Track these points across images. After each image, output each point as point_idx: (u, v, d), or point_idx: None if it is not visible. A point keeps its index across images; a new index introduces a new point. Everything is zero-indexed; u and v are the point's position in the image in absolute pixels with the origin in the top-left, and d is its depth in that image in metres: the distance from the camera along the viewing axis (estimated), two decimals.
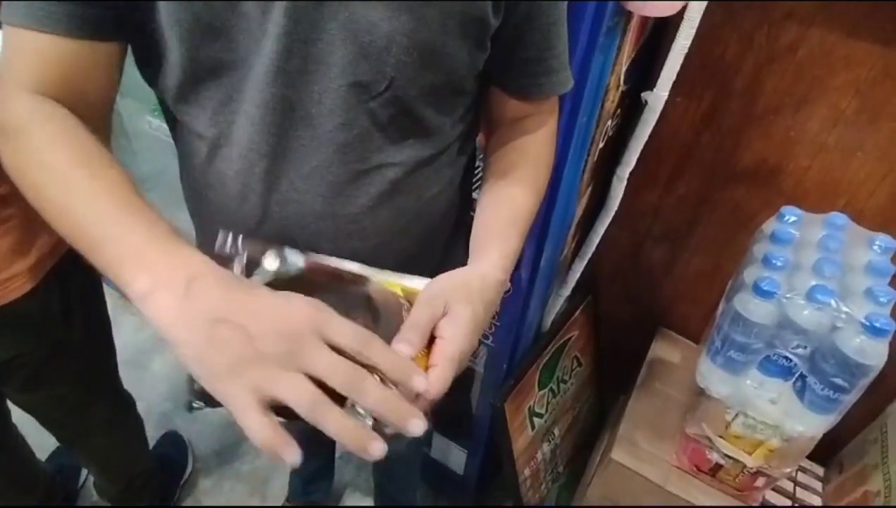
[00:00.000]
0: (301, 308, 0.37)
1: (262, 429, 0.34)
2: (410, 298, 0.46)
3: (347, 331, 0.37)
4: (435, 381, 0.40)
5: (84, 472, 1.36)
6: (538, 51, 0.55)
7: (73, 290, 0.83)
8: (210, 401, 0.39)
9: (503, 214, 0.56)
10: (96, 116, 0.48)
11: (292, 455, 0.34)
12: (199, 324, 0.36)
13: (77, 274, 0.83)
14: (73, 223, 0.42)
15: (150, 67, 0.51)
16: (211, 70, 0.48)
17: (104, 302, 0.94)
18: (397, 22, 0.46)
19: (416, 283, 0.48)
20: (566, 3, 0.55)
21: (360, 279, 0.46)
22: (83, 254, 0.42)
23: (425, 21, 0.46)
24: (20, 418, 0.95)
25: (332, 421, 0.34)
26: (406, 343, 0.40)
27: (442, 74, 0.51)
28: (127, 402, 1.10)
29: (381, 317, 0.46)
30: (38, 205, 0.44)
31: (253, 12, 0.45)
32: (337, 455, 1.37)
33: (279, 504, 1.37)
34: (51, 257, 0.77)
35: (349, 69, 0.47)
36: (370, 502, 1.38)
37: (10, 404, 0.93)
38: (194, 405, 0.40)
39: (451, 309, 0.44)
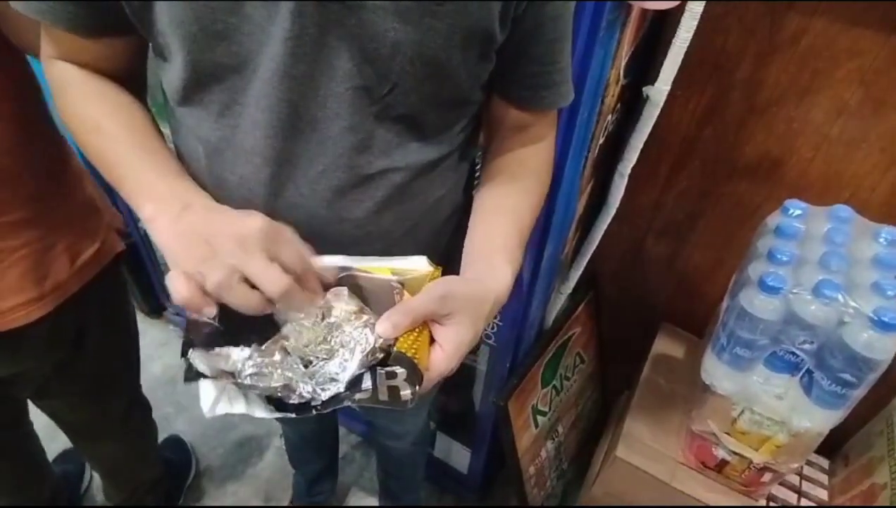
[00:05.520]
0: (256, 221, 0.43)
1: (181, 286, 0.41)
2: (402, 278, 0.46)
3: (293, 255, 0.43)
4: (421, 388, 0.43)
5: (87, 479, 1.36)
6: (541, 64, 0.55)
7: (91, 315, 0.80)
8: (203, 375, 0.44)
9: (511, 230, 0.55)
10: (122, 78, 0.54)
11: (209, 308, 0.42)
12: (181, 232, 0.44)
13: (99, 298, 0.79)
14: (106, 164, 0.51)
15: (161, 66, 0.52)
16: (214, 73, 0.48)
17: (131, 319, 0.92)
18: (403, 33, 0.45)
19: (405, 263, 0.48)
20: (571, 18, 0.55)
21: (344, 270, 0.46)
22: (115, 188, 0.50)
23: (431, 34, 0.46)
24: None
25: (236, 295, 0.41)
26: (391, 326, 0.43)
27: (446, 85, 0.51)
28: (143, 410, 1.09)
29: (370, 303, 0.46)
30: (83, 149, 0.53)
31: (258, 15, 0.44)
32: (340, 455, 1.37)
33: (283, 505, 1.37)
34: (68, 287, 0.73)
35: (354, 73, 0.47)
36: (374, 502, 1.38)
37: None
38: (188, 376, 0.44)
39: (457, 321, 0.44)
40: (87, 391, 0.89)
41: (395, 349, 0.42)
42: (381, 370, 0.42)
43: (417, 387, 0.42)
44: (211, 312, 0.42)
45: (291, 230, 0.45)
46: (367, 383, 0.42)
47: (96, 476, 1.28)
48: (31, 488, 1.00)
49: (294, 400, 0.43)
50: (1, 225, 0.66)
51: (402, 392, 0.42)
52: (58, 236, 0.72)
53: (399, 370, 0.41)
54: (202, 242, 0.43)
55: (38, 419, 0.95)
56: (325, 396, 0.42)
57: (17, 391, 0.84)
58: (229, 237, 0.42)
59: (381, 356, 0.42)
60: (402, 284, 0.46)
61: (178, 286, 0.41)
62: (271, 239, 0.42)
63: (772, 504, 0.98)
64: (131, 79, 0.55)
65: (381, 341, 0.42)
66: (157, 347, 1.69)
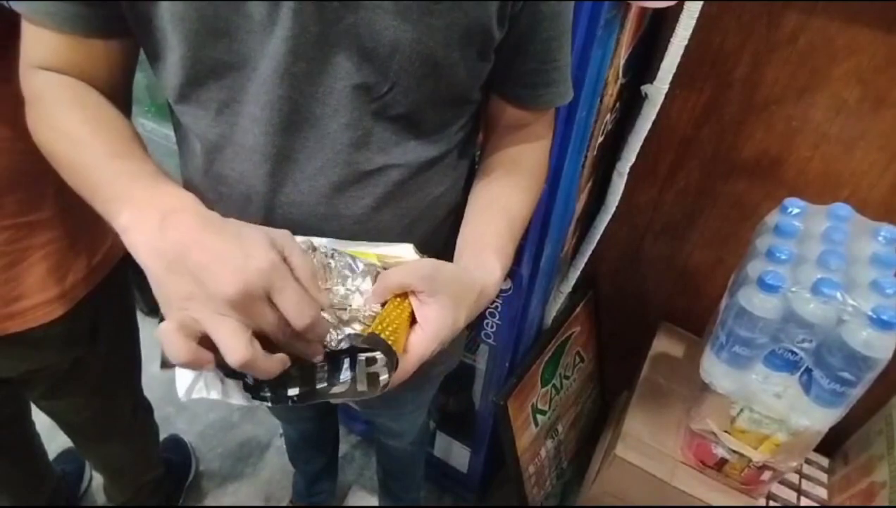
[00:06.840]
0: (261, 261, 0.38)
1: (179, 349, 0.37)
2: (387, 265, 0.46)
3: (291, 302, 0.38)
4: (400, 372, 0.43)
5: (86, 479, 1.36)
6: (539, 63, 0.55)
7: (104, 312, 0.81)
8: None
9: (502, 227, 0.55)
10: (109, 91, 0.52)
11: (207, 361, 0.38)
12: (163, 255, 0.39)
13: (109, 296, 0.80)
14: (78, 174, 0.47)
15: (156, 65, 0.52)
16: (213, 70, 0.48)
17: (134, 319, 0.92)
18: (401, 31, 0.46)
19: (392, 250, 0.48)
20: (570, 17, 0.55)
21: (331, 253, 0.46)
22: (87, 201, 0.46)
23: (429, 32, 0.46)
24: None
25: (261, 368, 0.38)
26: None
27: (445, 84, 0.51)
28: (146, 411, 1.09)
29: None
30: (53, 162, 0.49)
31: (258, 14, 0.45)
32: (340, 455, 1.37)
33: (283, 504, 1.37)
34: (85, 284, 0.75)
35: (353, 71, 0.47)
36: (374, 501, 1.38)
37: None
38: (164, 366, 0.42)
39: (441, 303, 0.44)
40: (95, 391, 0.89)
41: (369, 331, 0.42)
42: (361, 357, 0.41)
43: (393, 371, 0.42)
44: (211, 364, 0.38)
45: (300, 252, 0.41)
46: (346, 374, 0.41)
47: (96, 476, 1.28)
48: (32, 487, 1.01)
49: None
50: (24, 224, 0.67)
51: (380, 377, 0.41)
52: (78, 234, 0.72)
53: (379, 356, 0.41)
54: (194, 273, 0.37)
55: (38, 419, 0.96)
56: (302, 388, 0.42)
57: (26, 390, 0.84)
58: (229, 281, 0.36)
59: (358, 328, 0.42)
60: (386, 269, 0.46)
61: (175, 347, 0.37)
62: (273, 285, 0.37)
63: (771, 502, 0.98)
64: (116, 89, 0.53)
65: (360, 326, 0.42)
66: (155, 347, 1.67)
